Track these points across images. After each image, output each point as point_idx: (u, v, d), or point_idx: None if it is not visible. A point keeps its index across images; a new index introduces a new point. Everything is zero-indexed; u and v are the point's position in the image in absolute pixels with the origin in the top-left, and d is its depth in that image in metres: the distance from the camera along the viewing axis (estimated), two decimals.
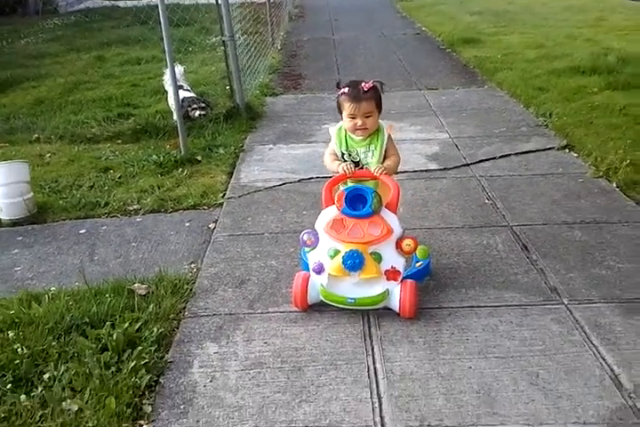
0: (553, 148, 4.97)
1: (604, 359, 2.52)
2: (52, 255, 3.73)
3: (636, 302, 2.91)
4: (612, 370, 2.46)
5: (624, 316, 2.80)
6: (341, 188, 2.98)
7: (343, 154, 3.01)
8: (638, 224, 3.66)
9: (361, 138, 2.97)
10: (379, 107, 2.92)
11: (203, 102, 5.89)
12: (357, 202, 2.87)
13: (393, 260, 2.83)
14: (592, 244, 3.46)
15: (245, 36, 6.99)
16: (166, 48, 4.87)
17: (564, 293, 3.00)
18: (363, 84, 2.86)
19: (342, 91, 2.91)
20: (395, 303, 2.81)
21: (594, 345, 2.61)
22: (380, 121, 2.96)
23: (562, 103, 5.92)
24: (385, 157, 2.97)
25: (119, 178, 4.81)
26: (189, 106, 5.77)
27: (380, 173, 2.89)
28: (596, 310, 2.85)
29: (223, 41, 5.94)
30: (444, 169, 4.66)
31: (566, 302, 2.92)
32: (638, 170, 4.30)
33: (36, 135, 5.94)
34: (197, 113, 5.79)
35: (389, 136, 2.97)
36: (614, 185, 4.19)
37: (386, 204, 2.89)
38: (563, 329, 2.72)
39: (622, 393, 2.34)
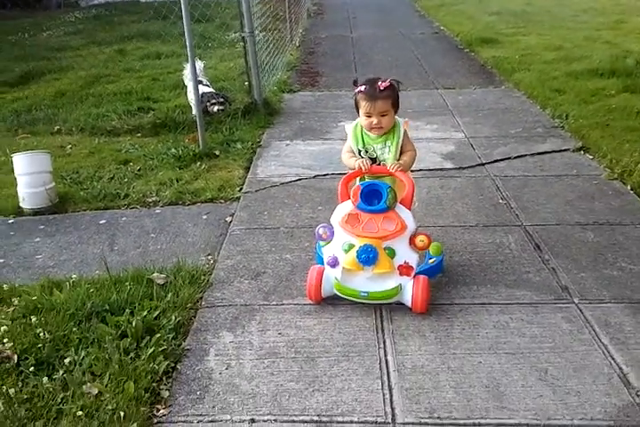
0: (568, 149, 5.00)
1: (612, 358, 2.56)
2: (72, 244, 3.82)
3: None
4: (620, 369, 2.50)
5: (634, 316, 2.83)
6: (357, 183, 3.04)
7: (360, 151, 3.06)
8: None
9: (376, 134, 3.02)
10: (395, 105, 2.97)
11: (222, 97, 5.96)
12: (373, 197, 2.92)
13: (406, 255, 2.88)
14: (604, 245, 3.49)
15: (264, 32, 7.05)
16: (187, 43, 4.95)
17: (574, 292, 3.04)
18: (379, 82, 2.90)
19: (359, 89, 2.96)
20: (407, 298, 2.86)
21: (603, 344, 2.65)
22: (396, 117, 3.01)
23: (579, 105, 5.93)
24: (401, 153, 3.02)
25: (139, 170, 4.89)
26: (208, 101, 5.84)
27: (396, 170, 2.94)
28: (606, 310, 2.89)
29: (243, 37, 6.00)
30: (460, 168, 4.70)
31: (577, 302, 2.96)
32: None
33: (58, 127, 6.06)
34: (216, 108, 5.87)
35: (405, 132, 3.01)
36: (629, 187, 4.21)
37: (400, 200, 2.94)
38: (573, 327, 2.76)
39: (630, 391, 2.38)
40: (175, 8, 7.38)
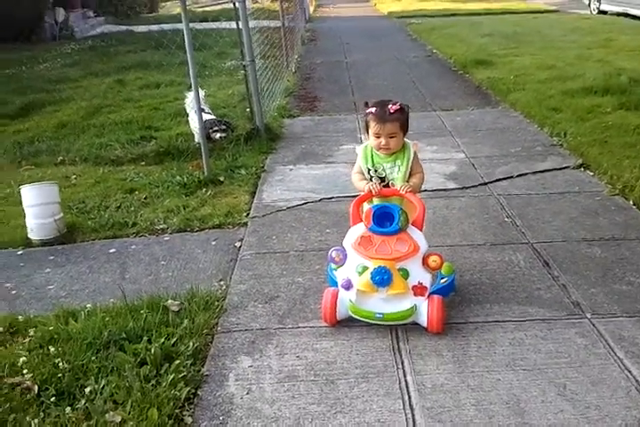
0: (569, 167, 5.08)
1: (629, 371, 2.59)
2: (84, 274, 3.84)
3: None
4: (637, 381, 2.53)
5: None
6: (367, 206, 3.09)
7: (369, 170, 3.11)
8: None
9: (386, 154, 3.08)
10: (403, 128, 3.04)
11: (224, 124, 6.04)
12: (384, 219, 2.97)
13: (420, 276, 2.92)
14: (612, 260, 3.54)
15: (263, 59, 7.17)
16: (191, 72, 5.04)
17: (586, 307, 3.07)
18: (390, 105, 2.98)
19: (369, 110, 3.03)
20: (422, 319, 2.89)
21: (618, 358, 2.68)
22: (405, 139, 3.07)
23: (576, 123, 6.03)
24: (410, 174, 3.07)
25: (145, 199, 4.94)
26: (211, 128, 5.92)
27: (406, 191, 2.99)
28: (618, 324, 2.92)
29: (244, 65, 6.11)
30: (463, 188, 4.77)
31: (589, 317, 3.00)
32: None
33: (61, 157, 6.11)
34: (218, 135, 5.94)
35: (415, 153, 3.08)
36: (631, 202, 4.28)
37: (412, 221, 2.99)
38: (587, 342, 2.79)
39: None
40: (173, 37, 7.55)
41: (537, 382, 2.55)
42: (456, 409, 2.43)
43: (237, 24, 5.91)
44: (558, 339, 2.83)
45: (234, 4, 5.88)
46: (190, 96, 6.17)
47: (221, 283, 3.56)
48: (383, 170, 3.09)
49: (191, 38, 4.98)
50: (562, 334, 2.86)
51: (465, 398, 2.49)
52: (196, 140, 6.01)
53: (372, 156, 3.10)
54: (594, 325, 2.92)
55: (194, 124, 6.00)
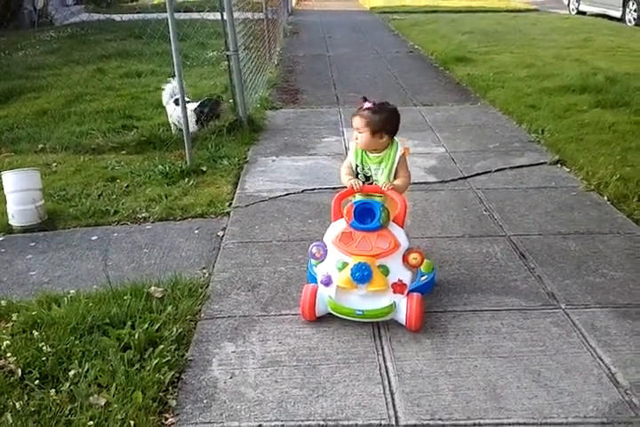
0: (546, 162, 5.18)
1: (601, 359, 2.69)
2: (65, 261, 3.85)
3: (629, 307, 3.08)
4: (608, 369, 2.62)
5: (618, 320, 2.97)
6: (351, 201, 3.12)
7: (357, 166, 3.17)
8: (629, 235, 3.86)
9: (375, 155, 3.12)
10: (371, 126, 3.01)
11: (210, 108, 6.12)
12: (366, 216, 2.97)
13: (400, 273, 2.92)
14: (586, 253, 3.65)
15: (246, 51, 7.18)
16: (175, 62, 5.05)
17: (561, 298, 3.17)
18: (365, 103, 3.06)
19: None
20: (401, 316, 2.90)
21: (591, 346, 2.78)
22: (397, 141, 3.11)
23: (553, 120, 6.15)
24: (395, 177, 3.11)
25: (126, 187, 4.94)
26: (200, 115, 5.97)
27: (388, 189, 3.00)
28: (591, 314, 3.02)
29: (227, 55, 6.12)
30: (443, 181, 4.85)
31: (564, 307, 3.09)
32: (628, 184, 4.51)
33: (41, 145, 6.06)
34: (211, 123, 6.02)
35: (402, 158, 3.10)
36: (605, 198, 4.40)
37: (393, 218, 3.00)
38: (561, 331, 2.89)
39: (619, 390, 2.50)
40: (154, 27, 7.52)
41: (512, 369, 2.63)
42: (434, 394, 2.50)
43: (222, 14, 5.91)
44: (533, 328, 2.92)
45: None
46: (168, 88, 6.19)
47: (204, 271, 3.60)
48: (369, 169, 3.14)
49: (176, 27, 4.98)
50: (537, 324, 2.95)
51: (443, 383, 2.56)
52: (174, 131, 6.08)
53: (362, 154, 3.15)
54: (568, 315, 3.02)
55: (174, 115, 6.02)
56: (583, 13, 17.13)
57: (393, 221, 3.00)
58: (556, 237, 3.86)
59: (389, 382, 2.57)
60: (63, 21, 16.00)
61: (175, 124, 6.12)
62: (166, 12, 4.92)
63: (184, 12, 8.45)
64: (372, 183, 3.14)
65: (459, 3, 20.40)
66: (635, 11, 14.46)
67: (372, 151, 3.12)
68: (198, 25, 10.16)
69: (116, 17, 15.17)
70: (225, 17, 5.89)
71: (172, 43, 4.97)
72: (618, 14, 15.24)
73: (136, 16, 13.23)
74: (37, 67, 9.99)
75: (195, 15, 8.51)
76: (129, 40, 11.94)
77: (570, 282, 3.32)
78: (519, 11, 18.59)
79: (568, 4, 18.28)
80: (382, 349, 2.80)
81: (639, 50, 10.24)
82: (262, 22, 9.40)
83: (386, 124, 3.06)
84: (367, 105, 3.06)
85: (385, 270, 2.90)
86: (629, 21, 14.73)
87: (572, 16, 16.93)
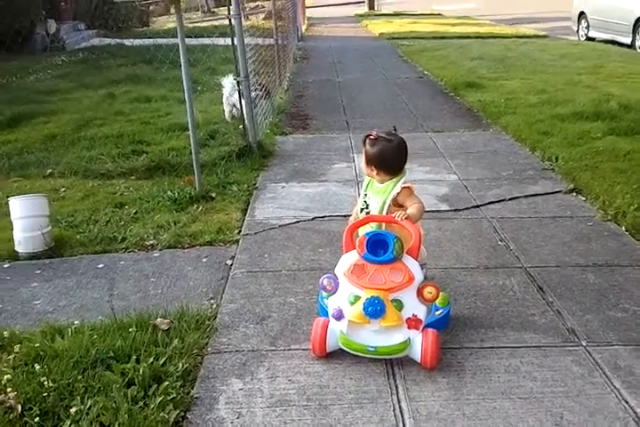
0: (561, 191, 5.09)
1: (626, 402, 2.56)
2: (71, 289, 3.77)
3: None
4: (635, 413, 2.50)
5: None
6: (362, 232, 3.01)
7: (365, 195, 3.12)
8: None
9: (377, 185, 3.09)
10: (367, 158, 3.04)
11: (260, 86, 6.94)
12: (378, 247, 2.86)
13: (414, 308, 2.81)
14: (605, 286, 3.53)
15: (256, 76, 7.17)
16: (185, 86, 5.02)
17: (582, 334, 3.05)
18: (373, 131, 3.08)
19: None
20: (416, 353, 2.78)
21: (615, 387, 2.65)
22: (400, 177, 3.05)
23: (567, 148, 6.06)
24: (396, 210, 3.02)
25: (135, 213, 4.87)
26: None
27: (401, 219, 2.91)
28: (614, 352, 2.90)
29: (238, 81, 6.10)
30: (455, 210, 4.76)
31: (584, 344, 2.97)
32: None
33: (50, 170, 6.02)
34: (253, 93, 6.40)
35: (404, 192, 3.03)
36: (623, 228, 4.29)
37: (407, 250, 2.90)
38: (583, 371, 2.76)
39: None
40: (165, 52, 7.55)
41: (533, 412, 2.51)
42: None
43: (232, 40, 5.91)
44: (554, 367, 2.80)
45: (229, 20, 5.89)
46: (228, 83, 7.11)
47: (212, 302, 3.51)
48: (371, 199, 3.10)
49: (186, 52, 4.96)
50: (557, 362, 2.83)
51: (461, 426, 2.44)
52: (227, 117, 7.31)
53: (369, 182, 3.13)
54: (589, 353, 2.90)
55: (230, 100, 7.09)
56: (592, 39, 17.14)
57: (406, 252, 2.90)
58: (574, 268, 3.75)
59: (404, 425, 2.45)
60: (75, 46, 16.14)
61: (231, 110, 7.16)
62: (177, 37, 4.91)
63: (195, 37, 8.50)
64: (367, 213, 3.08)
65: (467, 29, 20.47)
66: None
67: (378, 181, 3.07)
68: (209, 50, 10.22)
69: (127, 42, 15.34)
70: (236, 42, 5.88)
71: (182, 67, 4.94)
72: (628, 41, 15.24)
73: (147, 41, 13.37)
74: (48, 91, 10.02)
75: (206, 40, 8.54)
76: (139, 65, 12.00)
77: (590, 317, 3.20)
78: (528, 37, 18.58)
79: (577, 31, 18.31)
80: (396, 388, 2.68)
81: None
82: (272, 48, 9.42)
83: (375, 157, 3.03)
84: (373, 133, 3.02)
85: (399, 305, 2.78)
86: (639, 48, 14.73)
87: (582, 42, 16.94)
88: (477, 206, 4.82)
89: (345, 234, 3.01)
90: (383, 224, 3.05)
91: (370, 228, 3.06)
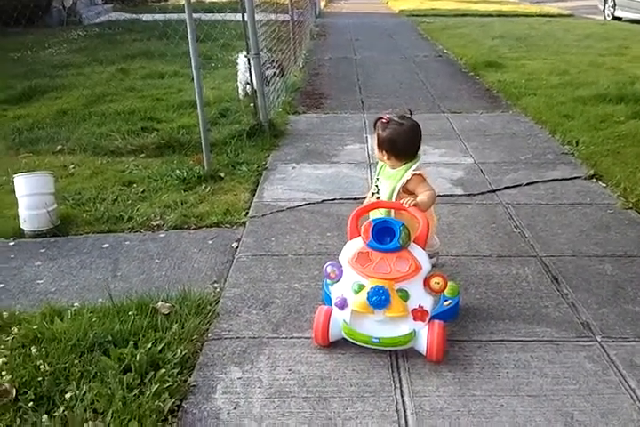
0: (580, 177, 4.92)
1: None
2: (74, 269, 3.70)
3: None
4: None
5: None
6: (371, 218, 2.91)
7: (377, 179, 3.01)
8: None
9: (389, 170, 2.99)
10: (378, 142, 2.95)
11: (276, 63, 7.01)
12: (385, 235, 2.74)
13: (420, 298, 2.70)
14: (624, 278, 3.39)
15: (270, 53, 7.02)
16: (193, 63, 4.87)
17: (596, 329, 2.93)
18: (386, 113, 2.97)
19: None
20: (421, 346, 2.68)
21: (630, 387, 2.53)
22: (414, 162, 2.94)
23: (588, 131, 5.87)
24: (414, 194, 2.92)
25: (142, 192, 4.79)
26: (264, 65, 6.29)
27: (409, 206, 2.80)
28: (630, 349, 2.77)
29: (248, 58, 5.96)
30: (470, 195, 4.62)
31: (599, 340, 2.85)
32: None
33: (60, 146, 5.95)
34: (268, 71, 6.47)
35: (416, 178, 2.92)
36: None
37: (414, 238, 2.77)
38: (597, 368, 2.64)
39: None
40: (177, 28, 7.39)
41: (542, 411, 2.40)
42: None
43: (243, 16, 5.74)
44: (566, 363, 2.68)
45: None
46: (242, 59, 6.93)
47: (215, 285, 3.42)
48: (382, 184, 2.99)
49: (194, 28, 4.80)
50: (570, 358, 2.71)
51: (465, 424, 2.34)
52: (240, 94, 7.23)
53: (382, 167, 3.02)
54: (604, 349, 2.77)
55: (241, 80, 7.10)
56: (619, 19, 16.69)
57: (414, 241, 2.77)
58: (591, 259, 3.61)
59: (406, 421, 2.36)
60: (91, 21, 16.01)
61: (245, 88, 7.07)
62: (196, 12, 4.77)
63: (205, 13, 8.33)
64: (378, 198, 2.96)
65: (490, 7, 20.03)
66: None
67: (389, 166, 2.96)
68: (221, 26, 10.03)
69: (144, 17, 15.17)
70: (246, 18, 5.71)
71: (189, 43, 4.80)
72: None
73: (163, 17, 13.20)
74: (62, 66, 9.93)
75: (218, 16, 8.37)
76: (153, 40, 11.86)
77: (606, 311, 3.07)
78: (552, 16, 18.15)
79: (603, 10, 17.84)
80: (400, 381, 2.58)
81: None
82: (288, 24, 9.22)
83: (386, 142, 2.92)
84: (385, 116, 2.90)
85: (404, 295, 2.67)
86: None
87: (608, 22, 16.50)
88: (493, 191, 4.67)
89: (350, 220, 2.88)
90: (392, 211, 2.93)
91: (379, 214, 2.96)
